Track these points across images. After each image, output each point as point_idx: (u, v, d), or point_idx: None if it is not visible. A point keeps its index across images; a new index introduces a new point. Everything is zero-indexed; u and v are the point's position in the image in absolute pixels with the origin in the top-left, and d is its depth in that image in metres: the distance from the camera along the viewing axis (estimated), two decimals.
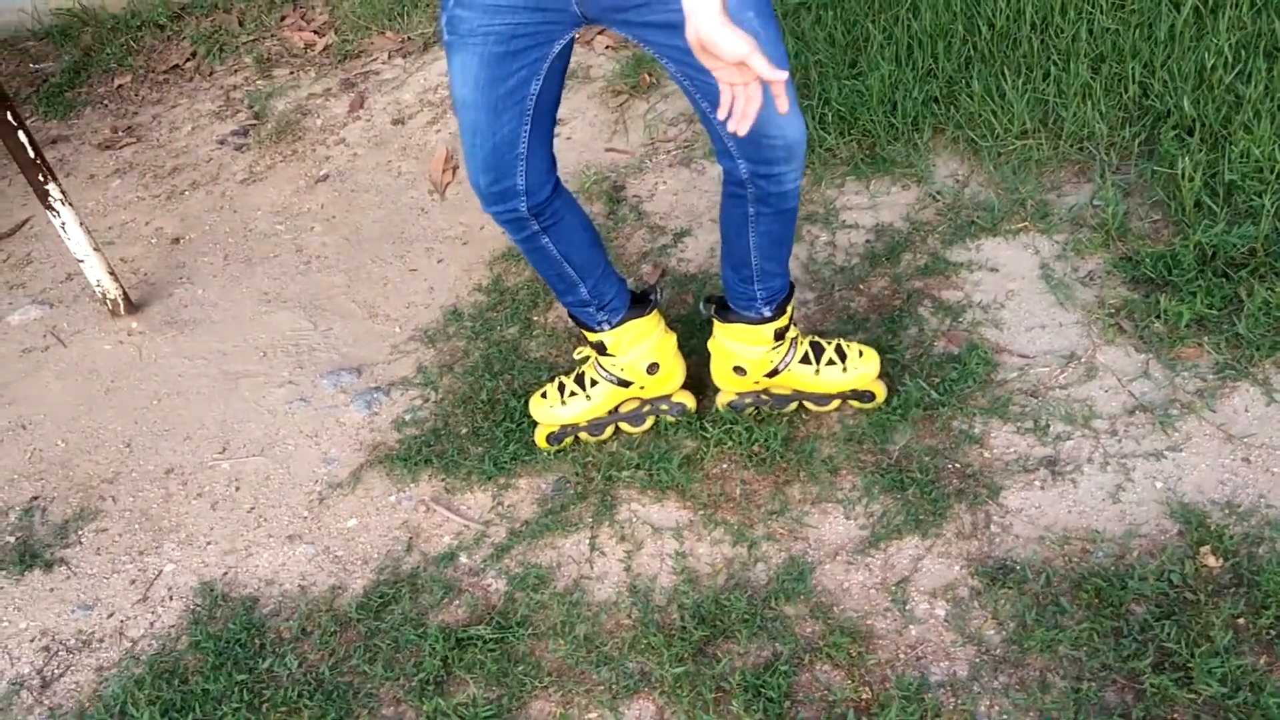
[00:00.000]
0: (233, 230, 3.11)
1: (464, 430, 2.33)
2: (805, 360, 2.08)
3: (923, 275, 2.40)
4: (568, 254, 1.93)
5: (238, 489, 2.33)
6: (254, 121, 3.56)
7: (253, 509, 2.28)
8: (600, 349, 2.10)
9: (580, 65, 3.38)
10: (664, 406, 2.20)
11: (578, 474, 2.17)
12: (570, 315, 2.09)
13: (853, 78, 2.82)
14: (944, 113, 2.72)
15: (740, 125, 1.43)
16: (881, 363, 2.11)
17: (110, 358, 2.74)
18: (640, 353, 2.09)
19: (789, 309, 2.02)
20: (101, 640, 2.07)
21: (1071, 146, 2.56)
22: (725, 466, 2.12)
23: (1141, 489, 1.92)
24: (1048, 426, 2.05)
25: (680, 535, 2.03)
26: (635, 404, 2.19)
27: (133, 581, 2.17)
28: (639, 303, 2.08)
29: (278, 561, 2.15)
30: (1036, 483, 1.97)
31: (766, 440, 2.12)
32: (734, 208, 1.85)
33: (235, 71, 3.84)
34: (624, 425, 2.21)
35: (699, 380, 2.26)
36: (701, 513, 2.06)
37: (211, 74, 3.86)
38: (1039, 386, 2.12)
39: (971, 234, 2.46)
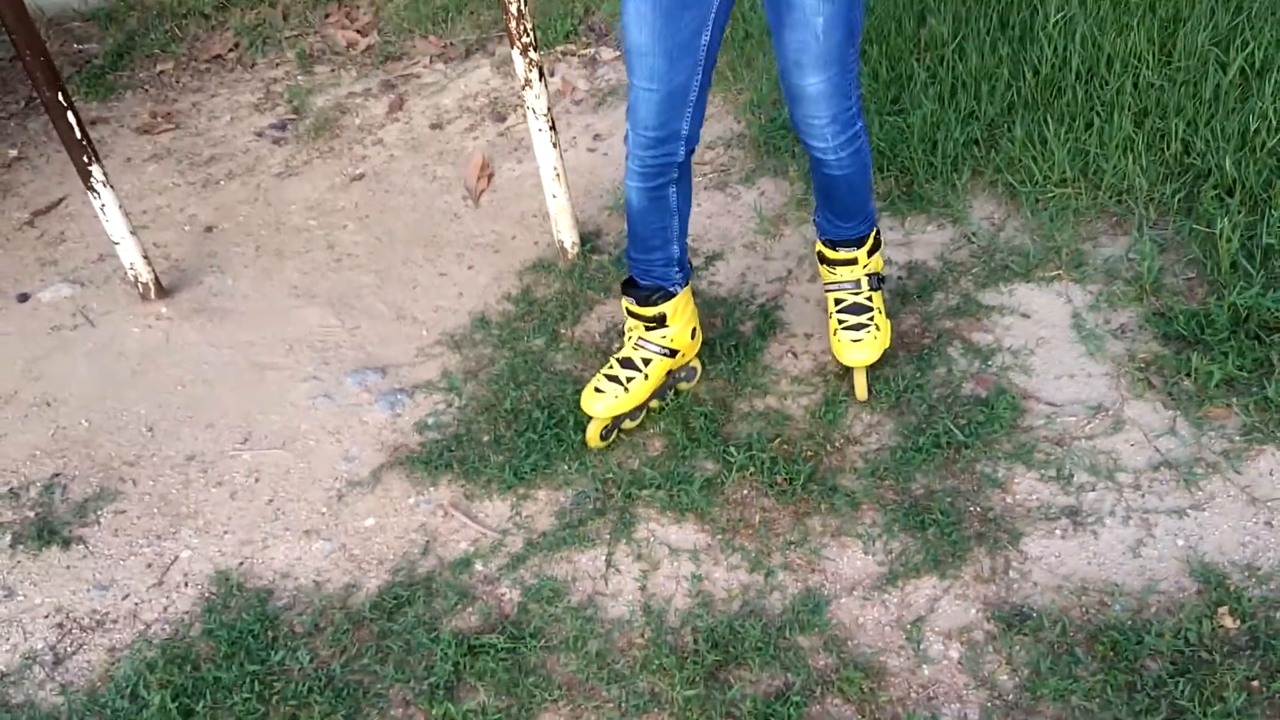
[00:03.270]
0: (266, 223, 3.13)
1: (486, 438, 2.33)
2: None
3: (954, 316, 2.40)
4: (680, 208, 2.10)
5: (257, 480, 2.34)
6: (293, 116, 3.58)
7: (271, 501, 2.29)
8: (661, 321, 2.20)
9: (621, 83, 3.41)
10: (682, 374, 2.29)
11: (598, 490, 2.18)
12: (637, 285, 2.19)
13: (894, 114, 2.84)
14: (984, 155, 2.73)
15: None
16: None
17: (138, 341, 2.76)
18: (686, 319, 2.25)
19: (827, 249, 2.22)
20: (115, 621, 2.08)
21: (1110, 198, 2.57)
22: (746, 493, 2.13)
23: (1163, 545, 1.92)
24: (1071, 476, 2.05)
25: (697, 558, 2.03)
26: (667, 377, 2.28)
27: (149, 565, 2.18)
28: None
29: (294, 555, 2.16)
30: (1058, 531, 1.97)
31: (789, 473, 2.12)
32: None
33: (277, 65, 3.87)
34: (653, 402, 2.28)
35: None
36: (720, 537, 2.06)
37: (253, 66, 3.90)
38: (1065, 435, 2.12)
39: (1005, 278, 2.47)
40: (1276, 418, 2.06)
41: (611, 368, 2.22)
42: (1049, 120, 2.70)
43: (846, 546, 2.01)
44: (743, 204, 2.84)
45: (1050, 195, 2.60)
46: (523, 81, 2.47)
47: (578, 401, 2.33)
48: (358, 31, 3.94)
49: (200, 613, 2.06)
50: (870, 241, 2.24)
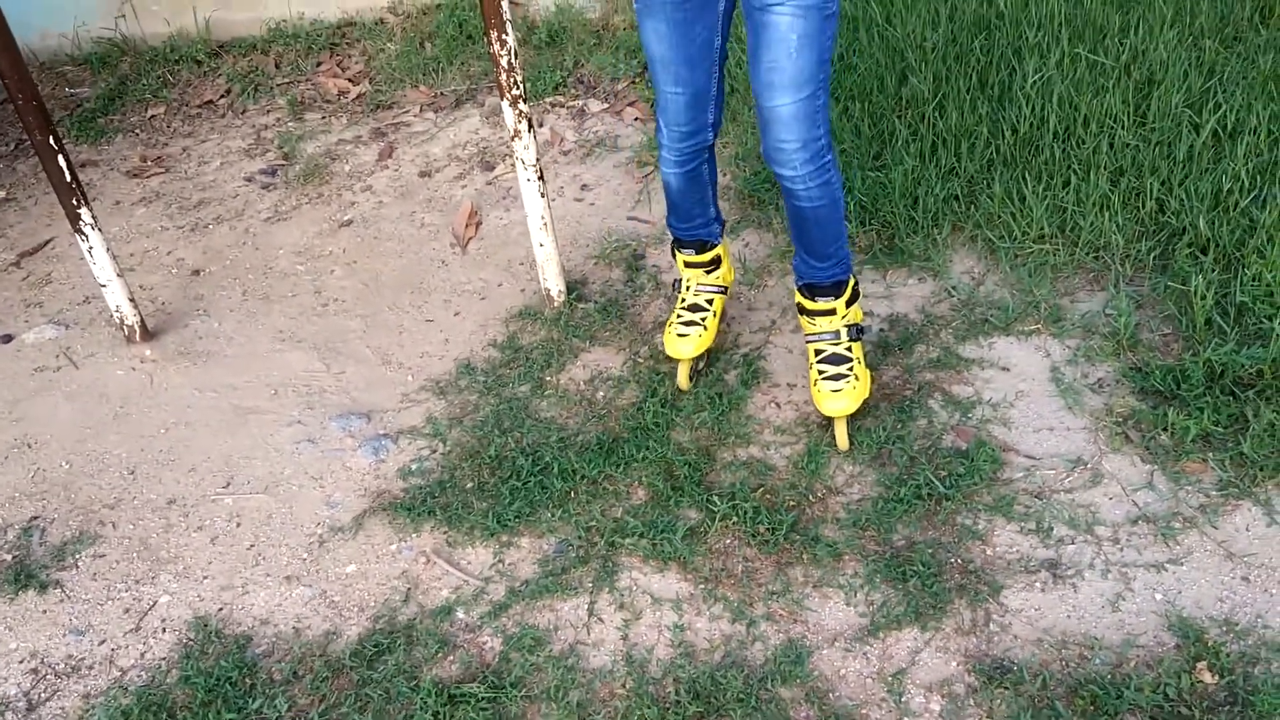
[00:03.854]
0: (253, 267, 3.14)
1: (469, 484, 2.33)
2: (818, 353, 2.31)
3: (934, 368, 2.43)
4: (711, 178, 2.36)
5: (238, 525, 2.33)
6: (283, 162, 3.61)
7: (252, 546, 2.27)
8: (716, 263, 2.47)
9: (608, 134, 3.46)
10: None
11: (581, 538, 2.18)
12: (689, 244, 2.43)
13: (876, 169, 2.89)
14: (964, 211, 2.78)
15: None
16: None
17: (121, 383, 2.75)
18: (729, 258, 2.55)
19: (805, 299, 2.31)
20: (91, 667, 2.05)
21: (1087, 254, 2.62)
22: (729, 542, 2.13)
23: (1141, 599, 1.93)
24: (1051, 529, 2.07)
25: (680, 608, 2.03)
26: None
27: (127, 610, 2.16)
28: None
29: (274, 601, 2.15)
30: (1037, 584, 1.98)
31: (772, 523, 2.13)
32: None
33: (268, 112, 3.91)
34: None
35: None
36: (702, 587, 2.06)
37: (244, 112, 3.93)
38: (1044, 488, 2.14)
39: (984, 331, 2.50)
40: (1252, 473, 2.09)
41: (681, 316, 2.44)
42: (1027, 178, 2.75)
43: (828, 597, 2.01)
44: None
45: (1029, 251, 2.65)
46: (512, 132, 2.50)
47: (562, 448, 2.35)
48: (349, 80, 3.99)
49: (178, 659, 2.04)
50: (848, 292, 2.28)
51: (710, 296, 2.47)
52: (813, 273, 2.27)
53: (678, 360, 2.44)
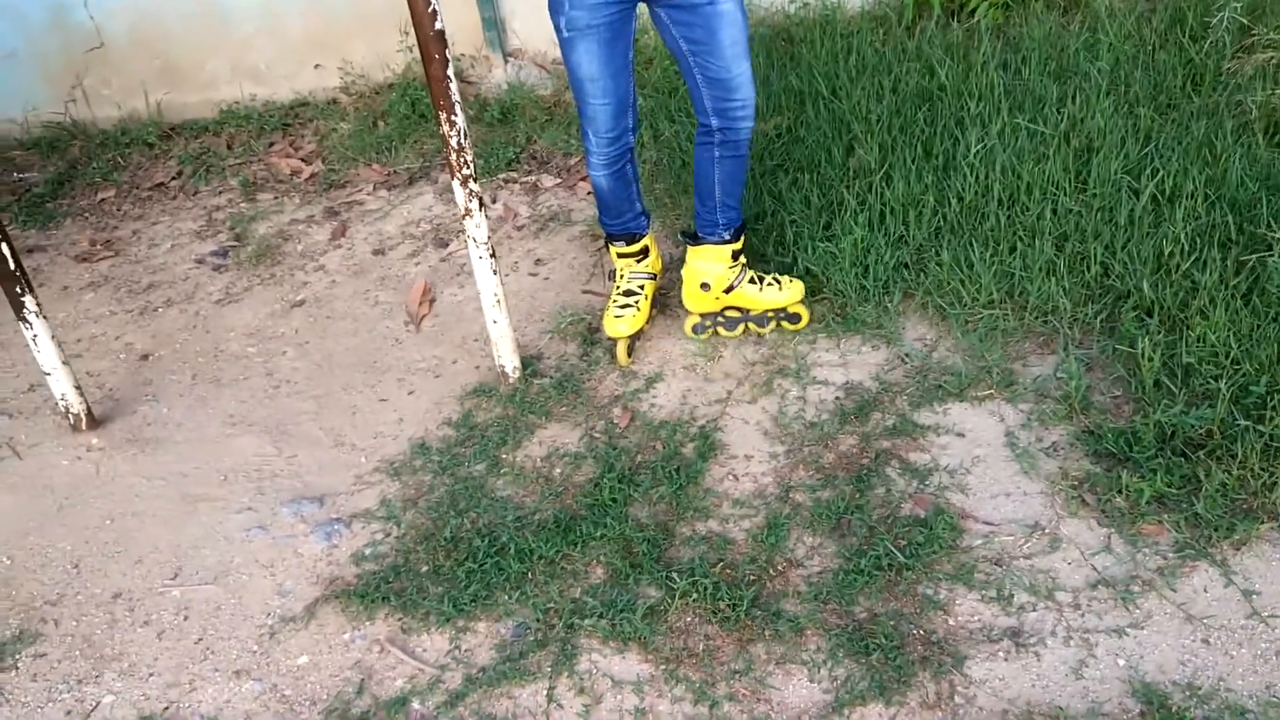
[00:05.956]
0: (203, 350, 3.10)
1: (424, 568, 2.29)
2: (752, 282, 2.75)
3: (891, 435, 2.44)
4: (635, 177, 2.69)
5: (186, 618, 2.26)
6: (234, 243, 3.59)
7: (200, 640, 2.21)
8: (645, 253, 2.82)
9: (562, 209, 3.48)
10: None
11: (539, 620, 2.13)
12: (619, 237, 2.77)
13: (826, 239, 2.92)
14: (914, 278, 2.81)
15: None
16: (805, 291, 2.75)
17: (66, 473, 2.69)
18: (657, 249, 2.89)
19: (742, 238, 2.72)
20: None
21: (1036, 319, 2.65)
22: (690, 620, 2.10)
23: (1104, 666, 1.92)
24: (1012, 596, 2.05)
25: (641, 690, 1.99)
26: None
27: (69, 712, 2.08)
28: None
29: (222, 698, 2.07)
30: (1000, 654, 1.96)
31: (732, 599, 2.10)
32: (704, 152, 2.61)
33: (220, 193, 3.90)
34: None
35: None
36: (664, 667, 2.02)
37: (195, 194, 3.92)
38: (1003, 555, 2.14)
39: (939, 398, 2.51)
40: (1207, 534, 2.10)
41: (617, 300, 2.78)
42: (974, 245, 2.80)
43: (791, 674, 1.98)
44: (683, 325, 2.88)
45: (979, 316, 2.68)
46: (463, 211, 2.50)
47: (519, 528, 2.31)
48: (302, 160, 3.99)
49: None
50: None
51: (642, 282, 2.83)
52: (737, 216, 2.68)
53: (616, 339, 2.77)
